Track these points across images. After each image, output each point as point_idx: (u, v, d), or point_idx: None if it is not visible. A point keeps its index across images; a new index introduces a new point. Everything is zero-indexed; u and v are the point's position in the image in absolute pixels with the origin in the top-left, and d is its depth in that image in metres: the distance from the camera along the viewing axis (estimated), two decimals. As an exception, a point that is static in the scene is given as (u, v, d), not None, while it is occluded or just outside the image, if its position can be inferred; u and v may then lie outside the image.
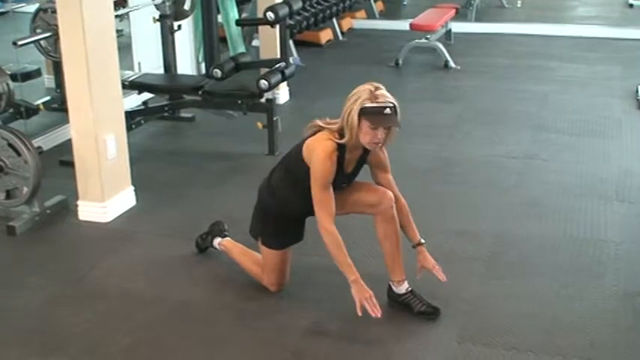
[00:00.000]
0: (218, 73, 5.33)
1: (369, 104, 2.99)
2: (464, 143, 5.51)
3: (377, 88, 3.04)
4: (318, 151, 3.06)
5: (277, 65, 5.39)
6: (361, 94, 3.02)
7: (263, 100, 5.28)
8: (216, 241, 3.76)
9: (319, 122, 3.17)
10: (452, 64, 7.62)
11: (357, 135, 3.02)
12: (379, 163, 3.28)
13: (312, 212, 3.24)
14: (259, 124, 5.27)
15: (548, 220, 4.24)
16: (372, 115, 2.99)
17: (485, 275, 3.67)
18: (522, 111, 6.22)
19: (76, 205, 4.32)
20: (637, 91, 6.43)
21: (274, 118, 5.26)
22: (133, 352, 3.11)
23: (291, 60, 6.19)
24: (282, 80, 5.56)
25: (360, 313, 3.03)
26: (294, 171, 3.24)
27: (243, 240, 3.69)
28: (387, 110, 2.99)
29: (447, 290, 3.47)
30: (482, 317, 3.32)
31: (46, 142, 5.25)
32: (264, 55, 6.40)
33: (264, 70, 5.49)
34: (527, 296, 3.48)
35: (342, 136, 3.07)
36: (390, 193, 3.26)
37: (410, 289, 3.33)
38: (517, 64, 7.76)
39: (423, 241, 3.36)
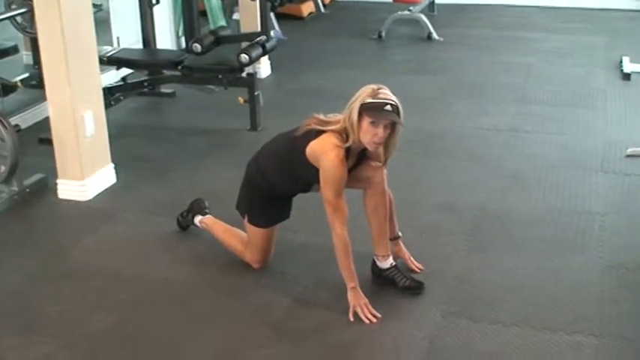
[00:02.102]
0: (198, 47, 5.26)
1: (369, 100, 2.97)
2: (447, 116, 5.47)
3: (379, 88, 3.03)
4: (331, 159, 3.02)
5: (258, 39, 5.32)
6: (363, 93, 3.01)
7: (244, 74, 5.21)
8: (197, 219, 3.72)
9: (317, 123, 3.11)
10: (435, 35, 7.56)
11: (358, 133, 2.99)
12: (377, 157, 3.23)
13: (301, 192, 3.33)
14: (241, 99, 5.21)
15: (533, 193, 4.22)
16: (372, 110, 2.96)
17: (469, 249, 3.65)
18: (506, 83, 6.18)
19: (56, 184, 4.26)
20: (621, 62, 6.41)
21: (256, 93, 5.19)
22: (113, 331, 3.08)
23: (272, 33, 6.11)
24: (264, 54, 5.49)
25: (352, 319, 3.08)
26: (288, 160, 3.21)
27: (225, 216, 3.65)
28: (388, 107, 2.96)
29: (431, 264, 3.46)
30: (466, 291, 3.31)
31: (25, 119, 5.16)
32: (244, 29, 6.31)
33: (245, 44, 5.42)
34: (512, 270, 3.47)
35: (347, 136, 3.03)
36: (383, 169, 3.24)
37: (394, 263, 3.32)
38: (501, 36, 7.71)
39: (400, 234, 3.45)
